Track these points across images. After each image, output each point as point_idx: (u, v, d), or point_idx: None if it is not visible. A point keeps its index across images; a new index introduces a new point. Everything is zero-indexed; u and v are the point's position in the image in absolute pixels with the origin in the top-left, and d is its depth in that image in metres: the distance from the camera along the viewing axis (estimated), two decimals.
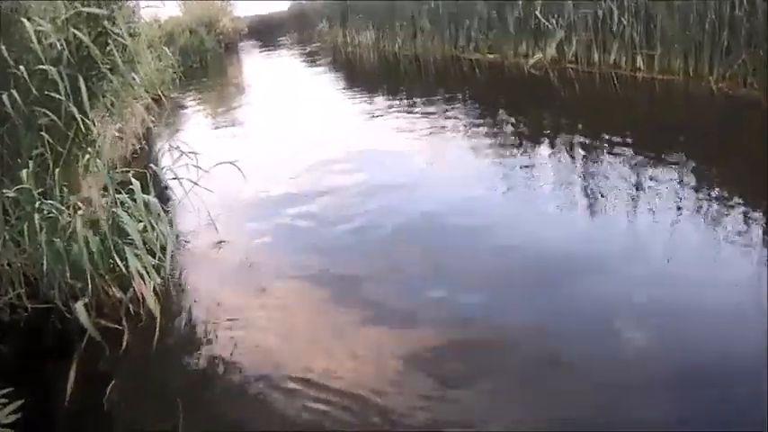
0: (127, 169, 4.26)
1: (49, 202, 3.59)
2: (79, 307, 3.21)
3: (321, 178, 6.29)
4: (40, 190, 3.61)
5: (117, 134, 5.92)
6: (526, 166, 5.97)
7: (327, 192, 5.83)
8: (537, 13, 11.46)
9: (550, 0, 11.20)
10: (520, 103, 9.34)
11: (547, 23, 11.28)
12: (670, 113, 7.69)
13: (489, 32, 13.19)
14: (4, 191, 3.54)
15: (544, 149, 6.60)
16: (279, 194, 5.94)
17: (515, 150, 6.67)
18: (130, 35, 4.42)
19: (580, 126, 7.45)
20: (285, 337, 3.49)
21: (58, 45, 3.82)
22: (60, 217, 3.49)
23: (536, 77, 10.87)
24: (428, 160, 6.69)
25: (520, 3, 11.88)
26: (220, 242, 4.82)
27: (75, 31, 3.92)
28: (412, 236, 4.70)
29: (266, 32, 27.98)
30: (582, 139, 6.71)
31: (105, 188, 4.00)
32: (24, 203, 3.52)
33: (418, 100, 10.41)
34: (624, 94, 9.09)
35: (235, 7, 25.57)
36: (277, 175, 6.51)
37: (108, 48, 4.20)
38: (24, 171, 3.54)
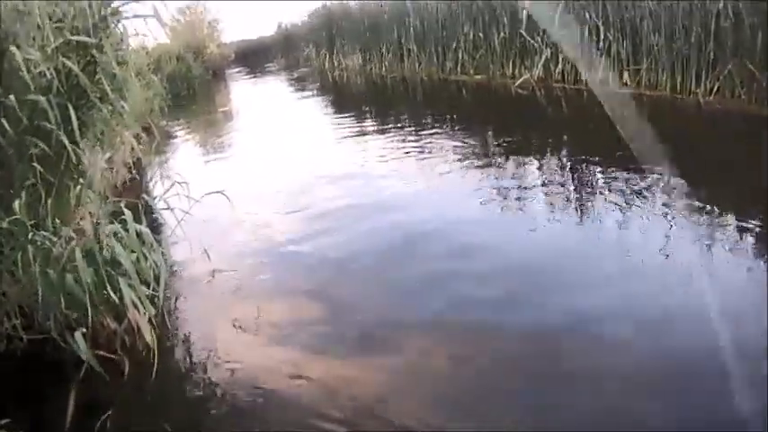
0: (118, 199, 4.21)
1: (42, 233, 3.54)
2: (78, 337, 3.15)
3: (313, 203, 6.24)
4: (32, 221, 3.57)
5: (107, 164, 5.87)
6: (517, 186, 5.97)
7: (320, 216, 5.79)
8: (522, 31, 11.55)
9: None
10: (508, 123, 9.37)
11: (533, 42, 11.37)
12: (658, 129, 7.72)
13: (475, 53, 13.28)
14: None
15: (533, 168, 6.63)
16: (271, 221, 5.87)
17: (505, 170, 6.68)
18: (118, 63, 4.39)
19: (568, 144, 7.51)
20: (283, 363, 3.44)
21: (48, 74, 3.79)
22: (54, 248, 3.45)
23: (523, 97, 10.93)
24: (419, 182, 6.66)
25: (505, 22, 11.99)
26: (214, 271, 4.75)
27: (65, 60, 3.90)
28: (407, 257, 4.67)
29: (253, 58, 28.10)
30: (571, 157, 6.76)
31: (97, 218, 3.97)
32: (17, 234, 3.48)
33: (407, 123, 10.45)
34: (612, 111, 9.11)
35: (222, 33, 25.70)
36: (269, 202, 6.47)
37: (97, 76, 4.18)
38: (17, 202, 3.50)
